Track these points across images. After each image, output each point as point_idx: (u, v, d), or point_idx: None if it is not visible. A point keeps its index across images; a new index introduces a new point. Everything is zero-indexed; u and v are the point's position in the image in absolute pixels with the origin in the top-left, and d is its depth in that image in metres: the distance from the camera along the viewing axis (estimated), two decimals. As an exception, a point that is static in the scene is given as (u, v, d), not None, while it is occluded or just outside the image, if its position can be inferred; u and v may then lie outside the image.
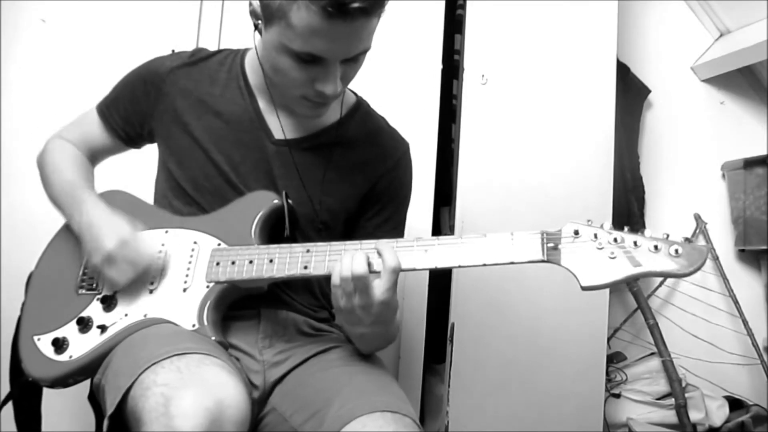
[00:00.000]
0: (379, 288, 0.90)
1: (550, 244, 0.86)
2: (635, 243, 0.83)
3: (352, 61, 0.98)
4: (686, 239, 0.83)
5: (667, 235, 0.84)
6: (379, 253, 0.91)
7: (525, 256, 0.87)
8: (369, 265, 0.90)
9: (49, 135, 1.22)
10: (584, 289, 0.84)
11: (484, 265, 0.89)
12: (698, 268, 0.81)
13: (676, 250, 0.81)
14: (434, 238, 0.93)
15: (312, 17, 0.88)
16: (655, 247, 0.82)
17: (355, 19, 0.89)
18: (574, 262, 0.85)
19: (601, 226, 0.86)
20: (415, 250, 0.92)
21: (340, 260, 0.90)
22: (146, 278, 1.01)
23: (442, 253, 0.91)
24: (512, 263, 0.88)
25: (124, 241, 0.99)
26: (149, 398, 0.76)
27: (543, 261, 0.86)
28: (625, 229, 0.85)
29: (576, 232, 0.86)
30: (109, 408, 0.82)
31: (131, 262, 0.99)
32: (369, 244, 0.93)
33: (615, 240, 0.84)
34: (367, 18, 0.91)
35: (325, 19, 0.87)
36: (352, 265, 0.89)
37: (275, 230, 1.06)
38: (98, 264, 1.00)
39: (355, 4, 0.87)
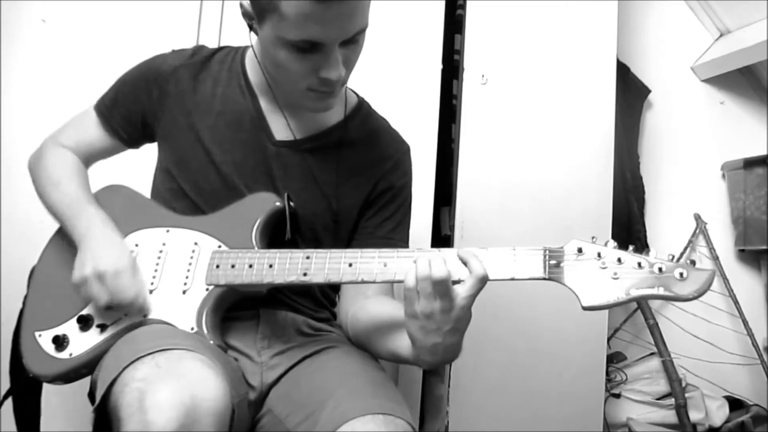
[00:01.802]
0: (461, 292, 0.84)
1: (553, 261, 0.85)
2: (639, 264, 0.81)
3: (352, 43, 0.95)
4: (691, 261, 0.81)
5: (673, 257, 0.81)
6: (464, 262, 0.86)
7: (526, 273, 0.86)
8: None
9: (49, 135, 1.21)
10: (585, 309, 0.82)
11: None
12: (703, 293, 0.79)
13: (681, 274, 0.79)
14: (435, 250, 0.90)
15: (302, 2, 0.86)
16: (660, 269, 0.80)
17: None
18: (575, 281, 0.83)
19: (605, 244, 0.84)
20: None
21: (416, 263, 0.84)
22: (121, 310, 1.00)
23: None
24: (513, 279, 0.86)
25: (119, 271, 0.98)
26: (126, 394, 0.76)
27: (544, 279, 0.85)
28: (630, 248, 0.83)
29: (579, 250, 0.84)
30: (96, 401, 0.82)
31: (116, 291, 0.97)
32: (371, 252, 0.92)
33: (619, 260, 0.82)
34: None
35: (316, 2, 0.86)
36: (431, 267, 0.83)
37: (276, 232, 1.06)
38: (86, 275, 0.98)
39: None
